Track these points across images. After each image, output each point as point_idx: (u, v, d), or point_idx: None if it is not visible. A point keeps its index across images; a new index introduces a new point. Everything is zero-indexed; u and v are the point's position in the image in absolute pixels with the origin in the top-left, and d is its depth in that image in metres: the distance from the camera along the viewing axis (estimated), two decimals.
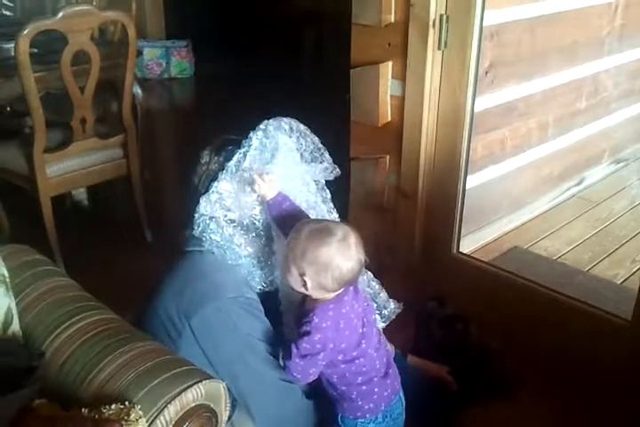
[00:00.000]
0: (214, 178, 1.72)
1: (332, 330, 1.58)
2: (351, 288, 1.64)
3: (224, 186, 1.66)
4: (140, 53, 3.65)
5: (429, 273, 2.70)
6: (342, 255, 1.55)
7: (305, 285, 1.57)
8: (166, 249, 1.95)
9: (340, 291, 1.61)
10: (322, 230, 1.56)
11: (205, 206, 1.65)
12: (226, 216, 1.68)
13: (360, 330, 1.65)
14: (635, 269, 2.97)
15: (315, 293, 1.59)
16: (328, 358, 1.63)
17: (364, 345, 1.66)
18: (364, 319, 1.67)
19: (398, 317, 1.83)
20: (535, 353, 2.36)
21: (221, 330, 1.66)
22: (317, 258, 1.54)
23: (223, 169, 1.71)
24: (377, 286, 1.85)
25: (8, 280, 1.61)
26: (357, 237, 1.59)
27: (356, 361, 1.66)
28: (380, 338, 1.75)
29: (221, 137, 1.81)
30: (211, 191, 1.65)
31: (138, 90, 3.40)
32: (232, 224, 1.69)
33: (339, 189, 2.88)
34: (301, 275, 1.56)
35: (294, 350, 1.59)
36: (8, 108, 3.44)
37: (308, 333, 1.58)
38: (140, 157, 3.32)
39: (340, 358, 1.65)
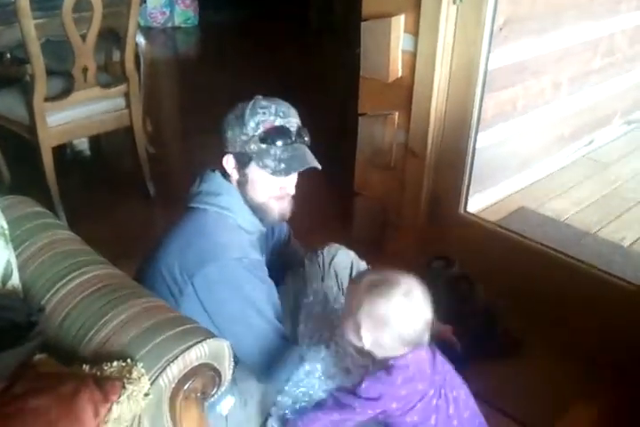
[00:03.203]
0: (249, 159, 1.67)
1: (374, 403, 1.43)
2: (424, 353, 1.47)
3: None
4: (143, 1, 3.56)
5: (435, 232, 2.68)
6: (403, 312, 1.40)
7: (362, 340, 1.43)
8: (169, 202, 1.92)
9: (404, 351, 1.45)
10: (382, 282, 1.41)
11: None
12: None
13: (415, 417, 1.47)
14: None
15: (374, 350, 1.45)
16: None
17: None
18: (437, 400, 1.48)
19: None
20: (540, 314, 2.35)
21: (224, 289, 1.64)
22: (374, 312, 1.39)
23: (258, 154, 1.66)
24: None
25: (7, 232, 1.58)
26: (424, 291, 1.43)
27: None
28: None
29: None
30: None
31: (140, 39, 3.34)
32: None
33: (346, 145, 2.88)
34: (358, 329, 1.43)
35: (337, 394, 1.49)
36: (8, 55, 3.37)
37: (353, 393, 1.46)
38: (143, 107, 3.27)
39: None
